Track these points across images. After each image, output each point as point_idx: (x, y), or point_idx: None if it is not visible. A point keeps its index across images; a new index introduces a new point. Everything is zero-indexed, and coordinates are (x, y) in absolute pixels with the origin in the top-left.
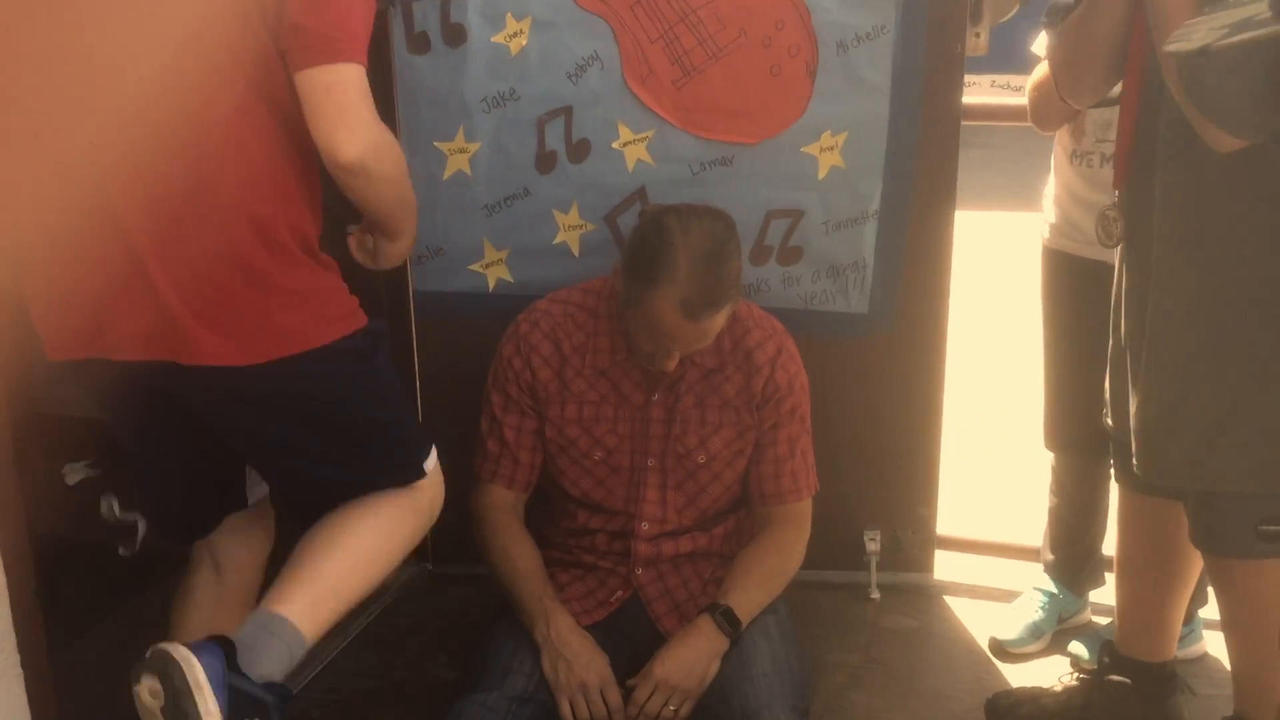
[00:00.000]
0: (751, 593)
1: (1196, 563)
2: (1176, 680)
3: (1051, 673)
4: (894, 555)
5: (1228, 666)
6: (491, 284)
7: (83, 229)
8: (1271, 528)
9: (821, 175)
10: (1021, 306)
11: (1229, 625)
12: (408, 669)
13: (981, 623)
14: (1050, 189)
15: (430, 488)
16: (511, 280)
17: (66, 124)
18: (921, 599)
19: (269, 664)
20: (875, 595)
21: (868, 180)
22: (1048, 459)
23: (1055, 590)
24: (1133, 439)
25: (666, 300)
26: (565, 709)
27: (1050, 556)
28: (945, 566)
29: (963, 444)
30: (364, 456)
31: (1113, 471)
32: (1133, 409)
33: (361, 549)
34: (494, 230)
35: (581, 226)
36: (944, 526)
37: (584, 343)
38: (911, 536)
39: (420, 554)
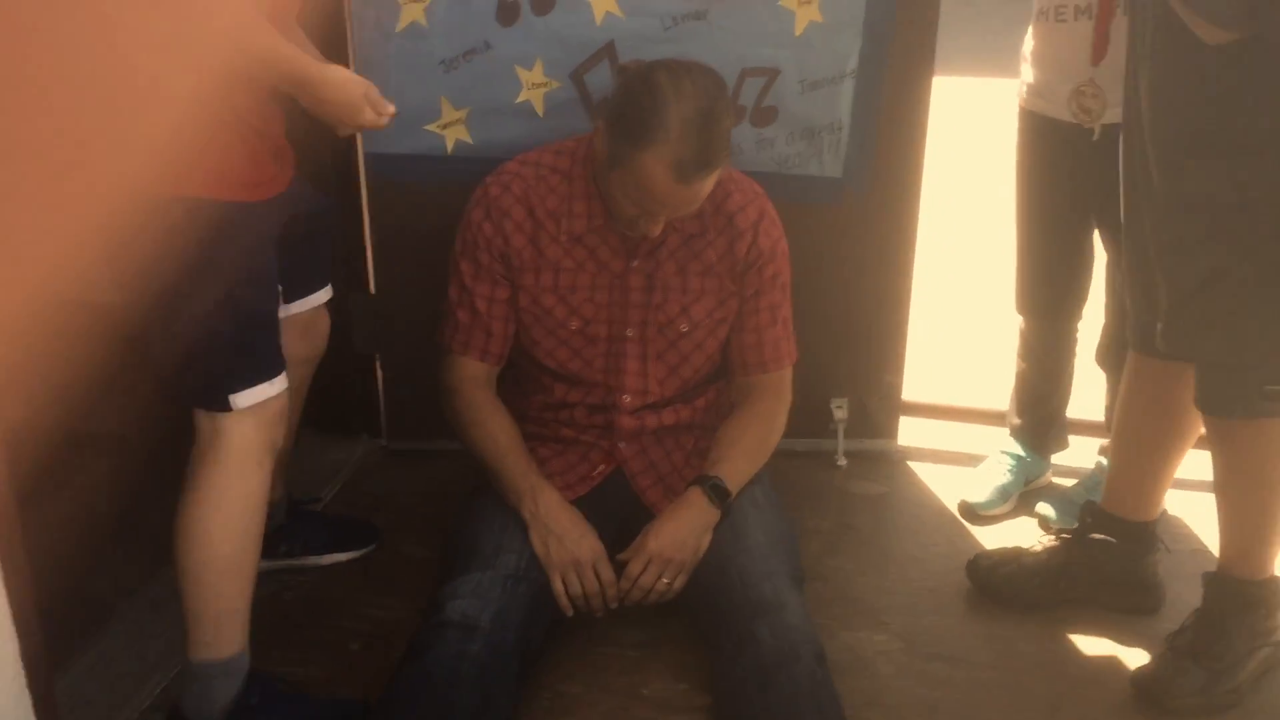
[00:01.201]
0: (738, 463)
1: (1197, 425)
2: (1156, 539)
3: (1020, 534)
4: (860, 422)
5: (1190, 525)
6: (450, 145)
7: None
8: (1274, 387)
9: (798, 32)
10: (997, 175)
11: (1224, 486)
12: (377, 548)
13: (948, 487)
14: (1027, 45)
15: (236, 435)
16: (471, 141)
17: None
18: (887, 465)
19: (222, 696)
20: (842, 462)
21: (846, 38)
22: (1010, 324)
23: (1022, 453)
24: (1160, 315)
25: (658, 162)
26: (558, 585)
27: (1017, 420)
28: (909, 432)
29: (927, 310)
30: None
31: (1129, 335)
32: (1159, 284)
33: (199, 555)
34: (452, 87)
35: (546, 84)
36: (908, 392)
37: (558, 207)
38: (878, 404)
39: (373, 430)
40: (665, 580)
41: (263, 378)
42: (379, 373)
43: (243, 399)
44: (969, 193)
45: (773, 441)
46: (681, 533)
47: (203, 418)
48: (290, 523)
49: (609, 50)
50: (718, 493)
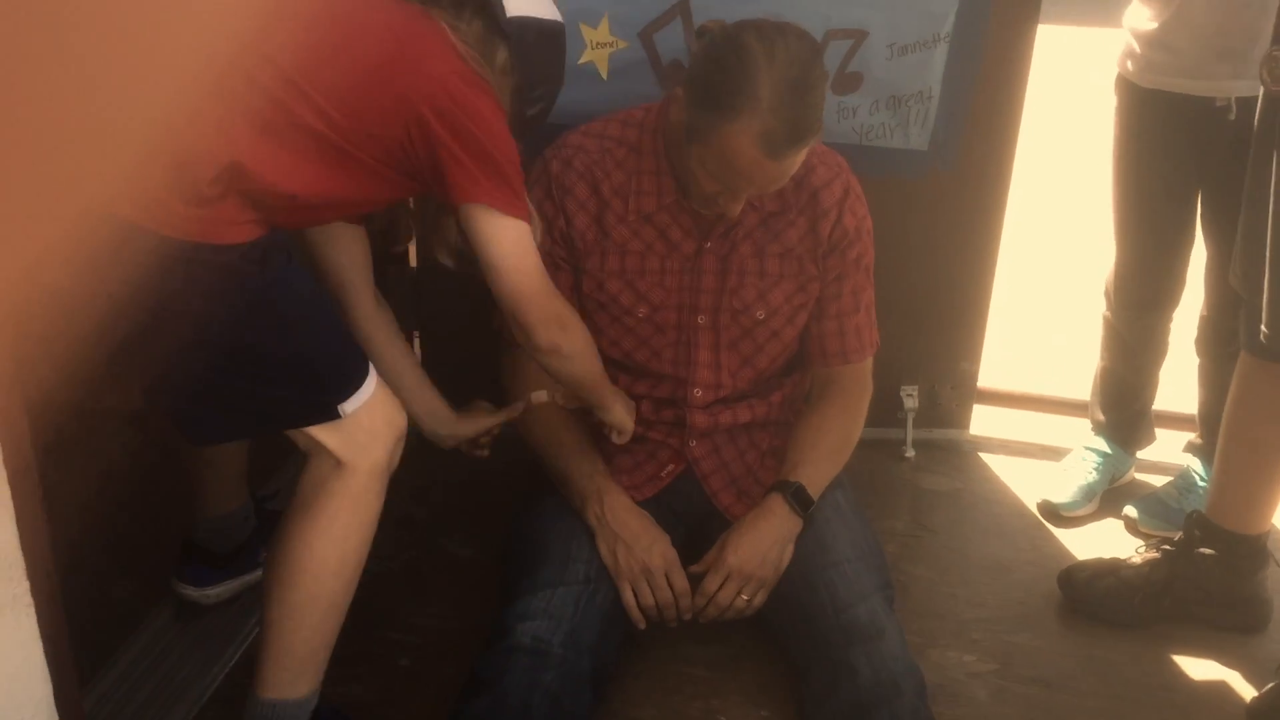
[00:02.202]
0: (821, 466)
1: None
2: (1266, 553)
3: (1107, 537)
4: (929, 410)
5: None
6: None
7: None
8: None
9: None
10: (1090, 140)
11: None
12: (418, 547)
13: (1024, 482)
14: (1137, 13)
15: (359, 446)
16: None
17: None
18: (957, 457)
19: None
20: (910, 454)
21: None
22: (1091, 305)
23: (1109, 449)
24: (1264, 307)
25: (746, 133)
26: (628, 596)
27: (1101, 417)
28: (980, 421)
29: (1005, 289)
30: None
31: (1242, 336)
32: (1266, 275)
33: (310, 589)
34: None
35: (612, 44)
36: (980, 379)
37: (625, 184)
38: (951, 392)
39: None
40: (744, 598)
41: (360, 377)
42: (417, 351)
43: (350, 404)
44: (1057, 158)
45: (855, 439)
46: (763, 546)
47: (323, 439)
48: (263, 525)
49: (683, 8)
50: (800, 500)
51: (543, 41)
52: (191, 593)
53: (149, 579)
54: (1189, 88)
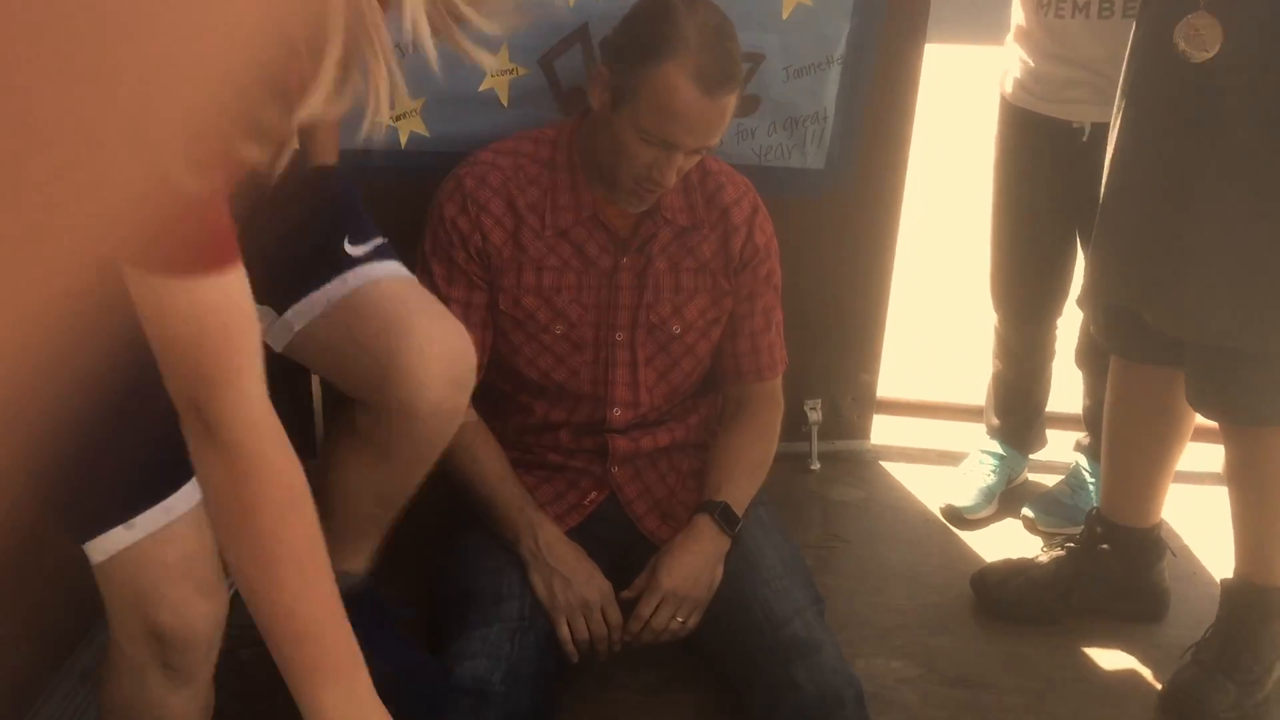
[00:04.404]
0: (742, 484)
1: (1189, 425)
2: (1162, 544)
3: (1009, 538)
4: (833, 423)
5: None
6: (404, 139)
7: None
8: None
9: (785, 15)
10: (977, 153)
11: (1243, 486)
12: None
13: (927, 488)
14: (1012, 33)
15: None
16: (427, 134)
17: None
18: (860, 467)
19: None
20: (815, 466)
21: (835, 20)
22: (983, 314)
23: (1004, 452)
24: (1156, 301)
25: (680, 71)
26: (564, 631)
27: (996, 421)
28: (880, 430)
29: (899, 299)
30: None
31: (1109, 342)
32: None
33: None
34: (406, 74)
35: (512, 71)
36: (878, 389)
37: (540, 199)
38: (851, 404)
39: (307, 448)
40: (679, 619)
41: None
42: (314, 384)
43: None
44: (946, 172)
45: (771, 456)
46: (695, 567)
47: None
48: None
49: (582, 35)
50: (727, 519)
51: None
52: None
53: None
54: (1051, 110)
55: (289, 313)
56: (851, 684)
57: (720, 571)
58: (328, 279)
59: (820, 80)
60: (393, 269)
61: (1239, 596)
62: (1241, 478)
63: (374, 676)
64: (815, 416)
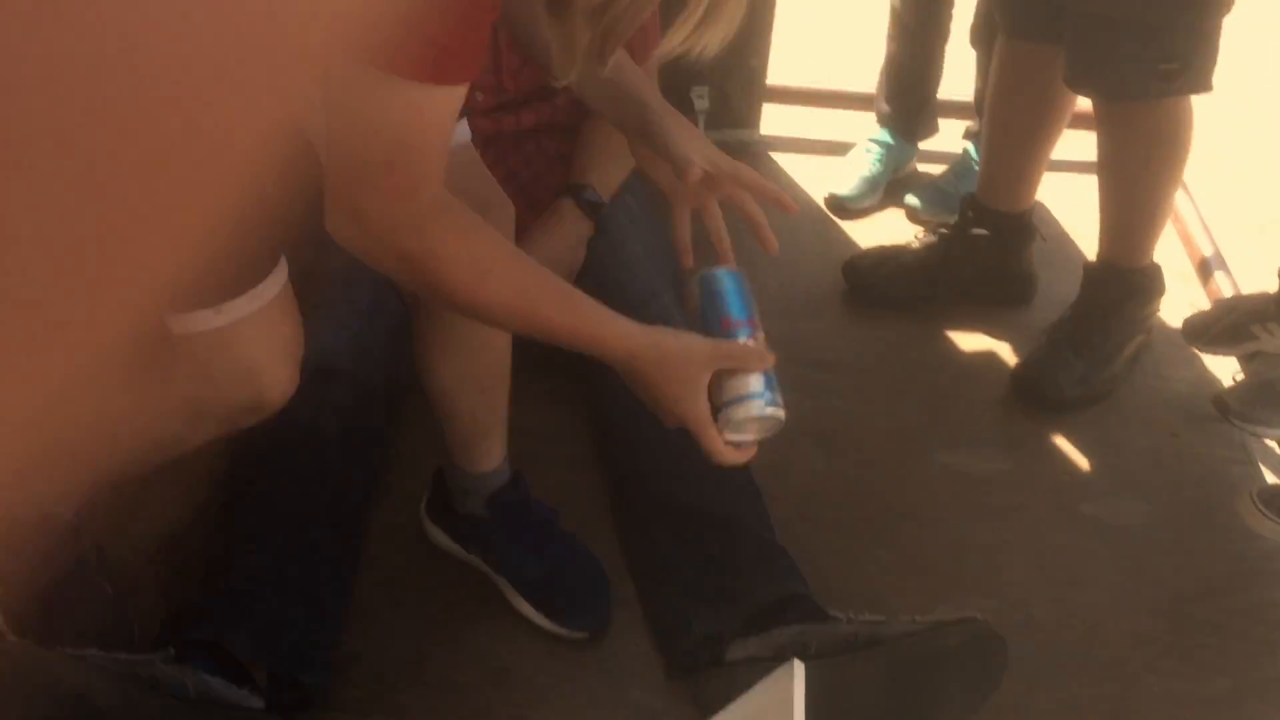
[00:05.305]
0: (609, 168)
1: (1069, 109)
2: (1033, 229)
3: (891, 227)
4: (720, 112)
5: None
6: None
7: None
8: (1170, 66)
9: None
10: None
11: (1109, 170)
12: None
13: (815, 179)
14: None
15: None
16: None
17: None
18: (749, 157)
19: None
20: None
21: None
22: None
23: (891, 141)
24: None
25: None
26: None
27: (885, 107)
28: (771, 120)
29: None
30: None
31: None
32: None
33: None
34: None
35: None
36: (769, 77)
37: None
38: (740, 91)
39: None
40: None
41: None
42: None
43: None
44: None
45: None
46: (556, 249)
47: None
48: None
49: None
50: (590, 203)
51: None
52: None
53: None
54: None
55: None
56: None
57: (582, 254)
58: None
59: None
60: None
61: (1099, 277)
62: (1111, 159)
63: (539, 574)
64: (702, 105)
